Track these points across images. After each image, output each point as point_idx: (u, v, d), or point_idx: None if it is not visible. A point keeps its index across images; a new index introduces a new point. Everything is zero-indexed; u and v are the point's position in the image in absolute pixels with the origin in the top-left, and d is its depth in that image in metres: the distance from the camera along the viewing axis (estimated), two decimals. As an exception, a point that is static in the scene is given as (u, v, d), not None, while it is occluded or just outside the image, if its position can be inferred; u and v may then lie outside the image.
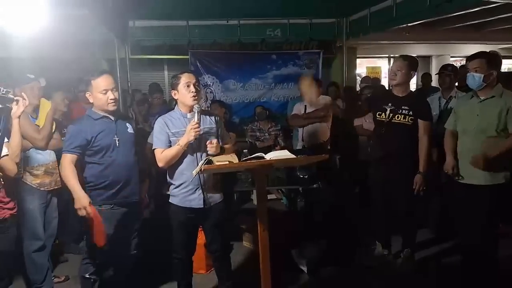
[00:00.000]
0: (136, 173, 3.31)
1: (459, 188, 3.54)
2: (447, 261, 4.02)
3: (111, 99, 3.11)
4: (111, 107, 3.14)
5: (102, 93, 3.09)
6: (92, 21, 5.58)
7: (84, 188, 3.10)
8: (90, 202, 3.04)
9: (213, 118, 3.23)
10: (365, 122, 5.06)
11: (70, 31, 5.80)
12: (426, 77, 7.36)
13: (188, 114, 3.09)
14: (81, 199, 3.03)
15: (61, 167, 3.11)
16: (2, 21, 3.54)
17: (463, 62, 13.17)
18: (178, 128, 3.07)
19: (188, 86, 3.04)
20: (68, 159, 3.07)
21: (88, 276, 3.23)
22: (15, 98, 1.87)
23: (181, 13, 6.48)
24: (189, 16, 6.66)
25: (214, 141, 3.06)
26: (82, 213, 3.04)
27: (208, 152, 3.05)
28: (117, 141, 3.16)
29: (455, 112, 3.68)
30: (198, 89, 3.09)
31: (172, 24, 6.91)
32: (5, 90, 1.78)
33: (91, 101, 3.17)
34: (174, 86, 3.10)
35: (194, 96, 3.04)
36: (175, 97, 3.14)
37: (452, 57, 13.21)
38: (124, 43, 6.61)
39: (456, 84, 5.00)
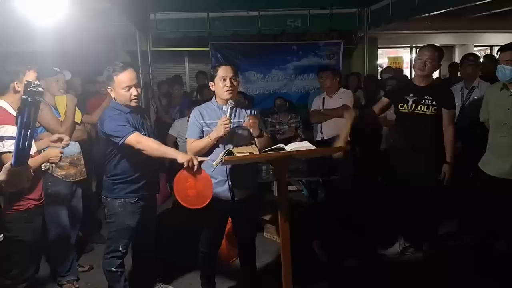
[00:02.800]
0: (158, 166, 3.35)
1: (491, 183, 3.44)
2: (469, 255, 3.96)
3: (134, 95, 3.04)
4: (134, 103, 3.08)
5: (125, 89, 3.01)
6: (114, 14, 5.65)
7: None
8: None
9: (249, 111, 3.19)
10: (389, 113, 5.00)
11: (92, 24, 5.88)
12: (454, 67, 7.24)
13: (223, 106, 3.09)
14: (183, 155, 2.85)
15: (139, 145, 2.91)
16: (26, 15, 3.61)
17: (488, 52, 12.97)
18: (212, 119, 3.07)
19: (224, 80, 3.01)
20: (136, 136, 2.92)
21: (114, 269, 3.22)
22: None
23: (202, 5, 6.51)
24: (209, 7, 6.68)
25: (251, 118, 2.98)
26: (192, 163, 2.77)
27: (252, 133, 3.01)
28: (144, 135, 3.10)
29: (486, 103, 3.59)
30: (235, 83, 3.05)
31: (193, 16, 6.95)
32: (35, 83, 1.81)
33: (112, 96, 3.11)
34: (211, 78, 3.10)
35: (228, 91, 3.02)
36: (212, 89, 3.13)
37: (476, 46, 12.97)
38: (145, 36, 6.67)
39: (480, 73, 4.91)
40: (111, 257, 3.21)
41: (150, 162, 3.13)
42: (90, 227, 4.67)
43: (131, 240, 3.25)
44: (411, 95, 3.78)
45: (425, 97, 3.73)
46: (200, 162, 2.81)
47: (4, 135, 2.66)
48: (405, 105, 3.81)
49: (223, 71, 3.03)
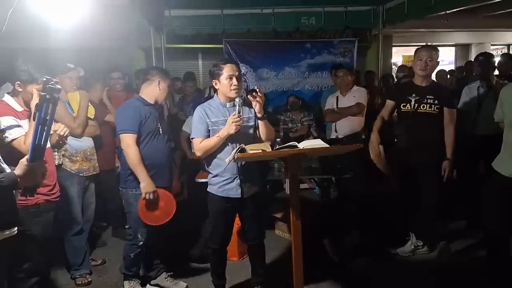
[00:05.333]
0: (169, 161, 3.50)
1: (504, 183, 3.39)
2: (483, 253, 3.93)
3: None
4: (163, 100, 3.50)
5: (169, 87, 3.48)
6: (128, 11, 5.67)
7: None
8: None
9: (252, 107, 3.18)
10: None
11: (107, 20, 5.91)
12: (469, 66, 7.16)
13: (227, 103, 3.09)
14: (150, 186, 3.24)
15: (126, 148, 3.21)
16: (41, 12, 3.64)
17: (504, 50, 12.79)
18: (217, 118, 3.06)
19: (231, 78, 3.00)
20: (132, 139, 3.22)
21: (132, 256, 3.46)
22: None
23: (216, 2, 6.51)
24: (223, 4, 6.68)
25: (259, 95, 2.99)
26: (150, 197, 3.24)
27: (254, 105, 3.01)
28: (160, 128, 3.39)
29: (501, 104, 3.54)
30: (240, 81, 3.07)
31: (207, 13, 6.95)
32: (54, 80, 1.84)
33: (159, 88, 3.38)
34: (215, 76, 3.06)
35: (235, 90, 3.02)
36: (216, 87, 3.10)
37: (492, 45, 12.79)
38: (159, 32, 6.69)
39: (497, 72, 4.85)
40: (132, 244, 3.46)
41: (159, 154, 3.35)
42: (112, 221, 4.79)
43: (148, 229, 3.41)
44: (413, 95, 3.86)
45: (427, 96, 3.82)
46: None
47: (3, 127, 2.70)
48: (408, 104, 3.88)
49: (230, 70, 3.01)
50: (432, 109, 3.80)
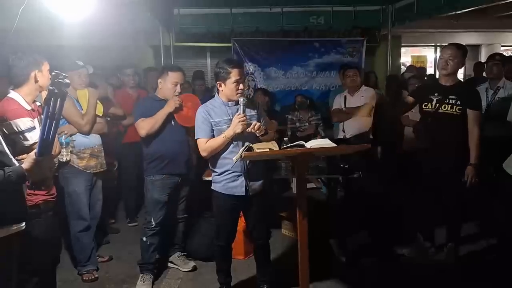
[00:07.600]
0: (185, 150, 3.75)
1: None
2: (492, 257, 3.90)
3: (177, 92, 3.61)
4: (171, 95, 3.63)
5: (173, 84, 3.59)
6: (138, 9, 5.69)
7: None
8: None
9: (254, 107, 3.21)
10: (411, 113, 4.93)
11: (116, 18, 5.94)
12: (479, 67, 7.11)
13: (229, 103, 3.10)
14: (170, 104, 3.56)
15: (137, 126, 3.60)
16: (51, 9, 3.65)
17: (515, 51, 12.68)
18: (220, 117, 3.07)
19: (238, 83, 3.02)
20: (138, 122, 3.59)
21: (145, 239, 3.68)
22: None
23: (225, 0, 6.52)
24: (232, 3, 6.69)
25: (256, 124, 3.02)
26: (176, 104, 3.56)
27: (257, 134, 3.05)
28: (173, 121, 3.62)
29: None
30: (245, 83, 3.11)
31: (216, 12, 6.97)
32: (63, 75, 1.84)
33: (160, 87, 3.66)
34: (221, 79, 3.06)
35: (240, 94, 3.04)
36: (220, 89, 3.10)
37: (503, 46, 12.68)
38: (168, 31, 6.71)
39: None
40: (145, 227, 3.71)
41: (172, 144, 3.64)
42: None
43: (164, 214, 3.69)
44: (436, 94, 3.76)
45: (450, 96, 3.70)
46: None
47: (24, 129, 2.67)
48: (429, 104, 3.79)
49: (237, 75, 3.02)
50: (454, 110, 3.67)
